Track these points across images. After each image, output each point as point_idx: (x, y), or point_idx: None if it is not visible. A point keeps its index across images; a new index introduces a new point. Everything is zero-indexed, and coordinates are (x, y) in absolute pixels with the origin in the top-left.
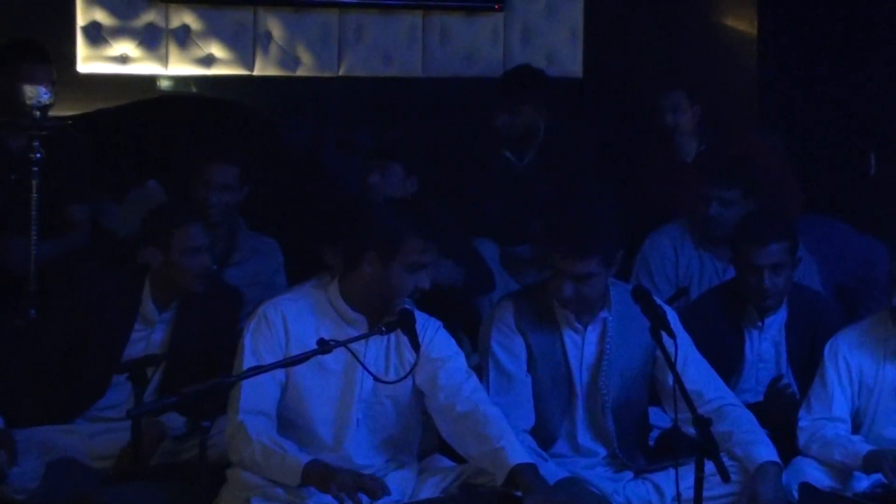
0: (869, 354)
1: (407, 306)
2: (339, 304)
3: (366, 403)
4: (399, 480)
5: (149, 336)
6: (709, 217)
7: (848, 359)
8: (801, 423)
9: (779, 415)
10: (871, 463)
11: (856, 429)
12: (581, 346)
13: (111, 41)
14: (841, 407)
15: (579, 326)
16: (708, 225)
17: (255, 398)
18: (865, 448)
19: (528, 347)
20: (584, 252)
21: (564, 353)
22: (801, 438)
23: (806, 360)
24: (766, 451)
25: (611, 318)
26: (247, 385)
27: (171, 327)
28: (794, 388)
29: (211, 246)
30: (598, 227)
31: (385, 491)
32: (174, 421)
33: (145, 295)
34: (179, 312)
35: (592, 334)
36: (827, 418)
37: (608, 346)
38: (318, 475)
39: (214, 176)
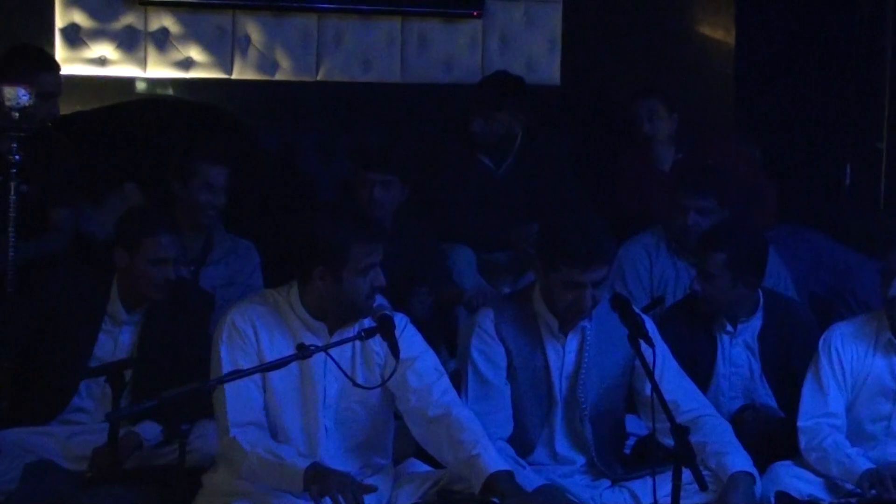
0: (860, 347)
1: (386, 312)
2: (300, 312)
3: (334, 410)
4: None
5: (117, 337)
6: (687, 227)
7: (840, 351)
8: (801, 423)
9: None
10: (869, 481)
11: None
12: (562, 354)
13: (90, 43)
14: (836, 402)
15: (560, 335)
16: (685, 234)
17: (242, 410)
18: (864, 465)
19: (509, 355)
20: (605, 258)
21: (545, 362)
22: (802, 441)
23: (780, 367)
24: (738, 461)
25: (590, 327)
26: (231, 398)
27: (140, 330)
28: (771, 402)
29: (177, 257)
30: (605, 230)
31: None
32: (150, 431)
33: (113, 294)
34: (148, 315)
35: (573, 343)
36: (824, 415)
37: (586, 355)
38: (318, 479)
39: (217, 178)
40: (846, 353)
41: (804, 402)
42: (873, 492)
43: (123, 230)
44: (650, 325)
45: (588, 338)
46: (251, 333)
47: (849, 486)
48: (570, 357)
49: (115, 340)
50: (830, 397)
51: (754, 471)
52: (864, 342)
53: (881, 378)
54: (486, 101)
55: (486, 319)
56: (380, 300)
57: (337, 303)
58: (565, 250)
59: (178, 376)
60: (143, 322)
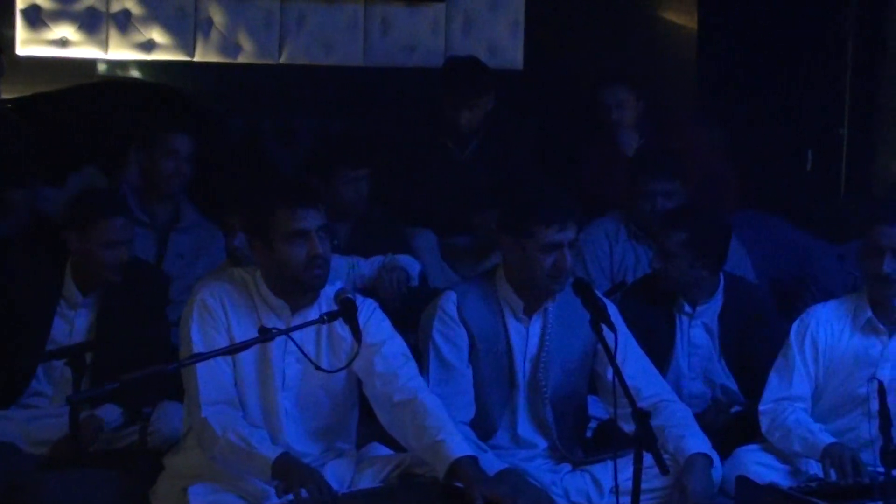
0: (836, 327)
1: (348, 295)
2: (263, 290)
3: (293, 392)
4: (337, 470)
5: (72, 321)
6: (655, 213)
7: (815, 336)
8: (762, 407)
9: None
10: (831, 457)
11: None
12: (525, 336)
13: (51, 24)
14: (802, 386)
15: (524, 317)
16: (654, 220)
17: (214, 388)
18: (826, 440)
19: (472, 338)
20: (575, 216)
21: (508, 344)
22: (763, 424)
23: (739, 349)
24: (694, 444)
25: (552, 310)
26: (203, 375)
27: (96, 312)
28: (731, 383)
29: (130, 240)
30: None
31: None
32: (110, 413)
33: (67, 277)
34: (103, 297)
35: (536, 325)
36: (787, 398)
37: (548, 338)
38: (285, 472)
39: (183, 145)
40: (821, 334)
41: (769, 387)
42: (833, 472)
43: (75, 212)
44: (612, 309)
45: (550, 320)
46: (220, 311)
47: (812, 470)
48: (534, 339)
49: (71, 324)
50: (796, 382)
51: (713, 453)
52: (840, 322)
53: (858, 358)
54: (468, 91)
55: (449, 302)
56: (341, 284)
57: (275, 271)
58: (538, 212)
59: (138, 358)
60: (99, 304)
